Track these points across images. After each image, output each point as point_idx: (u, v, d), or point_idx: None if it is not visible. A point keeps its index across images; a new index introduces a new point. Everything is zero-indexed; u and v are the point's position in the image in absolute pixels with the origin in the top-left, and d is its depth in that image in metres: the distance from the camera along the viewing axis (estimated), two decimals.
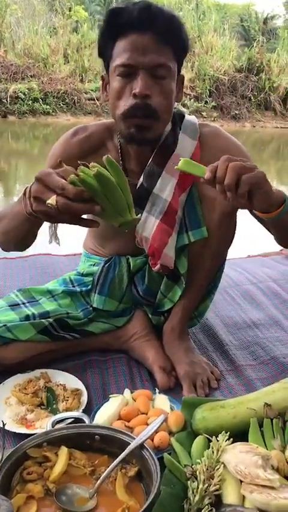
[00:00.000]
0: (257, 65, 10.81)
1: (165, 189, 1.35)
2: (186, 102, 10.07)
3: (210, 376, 1.45)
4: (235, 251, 2.31)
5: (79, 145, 1.40)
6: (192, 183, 1.37)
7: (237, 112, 10.50)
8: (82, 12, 10.98)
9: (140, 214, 1.10)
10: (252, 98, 10.81)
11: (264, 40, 11.52)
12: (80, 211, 0.98)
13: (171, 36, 1.22)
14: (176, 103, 1.32)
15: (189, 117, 1.41)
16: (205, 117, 9.75)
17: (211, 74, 10.37)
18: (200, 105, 10.20)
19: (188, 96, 10.36)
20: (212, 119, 9.97)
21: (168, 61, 1.23)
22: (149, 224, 1.38)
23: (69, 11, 10.73)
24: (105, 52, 1.28)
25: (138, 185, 1.37)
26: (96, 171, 0.96)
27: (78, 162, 0.99)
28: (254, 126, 10.56)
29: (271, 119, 10.89)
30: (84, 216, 1.04)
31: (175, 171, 1.35)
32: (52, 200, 0.97)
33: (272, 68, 10.89)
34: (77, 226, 1.03)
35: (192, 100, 10.27)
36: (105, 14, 1.31)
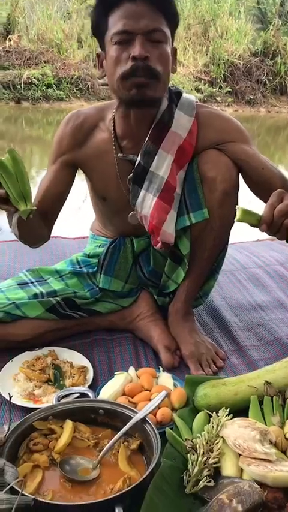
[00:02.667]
0: (272, 48, 10.64)
1: (162, 166, 1.37)
2: (200, 86, 9.97)
3: (215, 356, 1.47)
4: (244, 235, 2.32)
5: (72, 135, 1.45)
6: (189, 160, 1.39)
7: (252, 97, 10.36)
8: None
9: (34, 207, 1.18)
10: (267, 82, 10.66)
11: (281, 23, 11.31)
12: None
13: (162, 5, 1.25)
14: (171, 73, 1.33)
15: (187, 95, 1.42)
16: (219, 102, 9.66)
17: (226, 58, 10.23)
18: (214, 90, 10.09)
19: (203, 81, 10.24)
20: (227, 103, 9.87)
21: (162, 26, 1.25)
22: (147, 202, 1.40)
23: None
24: (99, 27, 1.29)
25: (136, 163, 1.39)
26: None
27: None
28: (269, 111, 10.42)
29: (287, 104, 10.74)
30: None
31: (172, 149, 1.37)
32: None
33: None
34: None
35: (206, 85, 10.16)
36: None
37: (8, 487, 0.88)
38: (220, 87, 10.43)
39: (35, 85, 8.61)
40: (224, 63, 10.41)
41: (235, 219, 1.12)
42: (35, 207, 1.17)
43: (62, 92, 8.80)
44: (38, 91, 8.56)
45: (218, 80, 10.49)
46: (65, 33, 9.82)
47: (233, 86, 10.58)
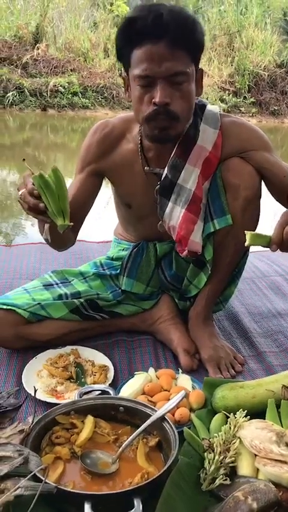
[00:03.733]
0: None
1: (189, 179, 1.41)
2: (224, 97, 10.00)
3: (233, 360, 1.50)
4: None
5: (99, 144, 1.49)
6: (214, 171, 1.42)
7: (276, 108, 10.34)
8: (123, 6, 11.02)
9: (71, 223, 1.22)
10: None
11: None
12: (30, 203, 1.19)
13: (185, 41, 1.24)
14: (197, 97, 1.36)
15: (211, 107, 1.45)
16: (243, 113, 9.67)
17: (251, 69, 10.26)
18: (238, 100, 10.11)
19: (227, 92, 10.27)
20: (251, 114, 9.87)
21: (184, 67, 1.26)
22: (175, 214, 1.43)
23: (111, 5, 10.80)
24: (123, 57, 1.32)
25: (163, 176, 1.43)
26: (39, 173, 1.18)
27: None
28: None
29: None
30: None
31: (198, 162, 1.40)
32: (21, 191, 1.22)
33: None
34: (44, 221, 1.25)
35: (230, 95, 10.19)
36: (121, 21, 1.35)
37: (31, 474, 0.92)
38: (244, 97, 10.45)
39: (61, 93, 8.75)
40: (248, 74, 10.43)
41: (245, 244, 1.14)
42: (72, 224, 1.22)
43: (87, 100, 8.93)
44: (63, 99, 8.69)
45: (243, 91, 10.51)
46: (91, 43, 9.96)
47: (257, 96, 10.58)
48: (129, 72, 1.31)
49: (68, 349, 1.50)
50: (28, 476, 0.91)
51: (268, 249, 1.17)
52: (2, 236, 2.99)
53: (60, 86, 8.71)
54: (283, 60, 10.80)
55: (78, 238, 1.57)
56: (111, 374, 1.41)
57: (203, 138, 1.40)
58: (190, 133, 1.40)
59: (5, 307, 1.43)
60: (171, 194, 1.43)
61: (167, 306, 1.61)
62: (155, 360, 1.52)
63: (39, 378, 1.38)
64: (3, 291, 1.67)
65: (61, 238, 1.42)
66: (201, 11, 10.69)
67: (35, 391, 1.15)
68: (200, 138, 1.40)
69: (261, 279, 2.08)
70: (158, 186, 1.44)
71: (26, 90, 8.13)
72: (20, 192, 1.21)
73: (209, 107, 1.45)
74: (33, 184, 1.18)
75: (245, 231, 1.16)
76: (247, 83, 10.45)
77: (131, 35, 1.26)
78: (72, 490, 0.95)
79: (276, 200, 1.44)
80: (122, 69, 1.37)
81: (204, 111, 1.43)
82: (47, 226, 1.30)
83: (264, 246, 1.16)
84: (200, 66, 1.34)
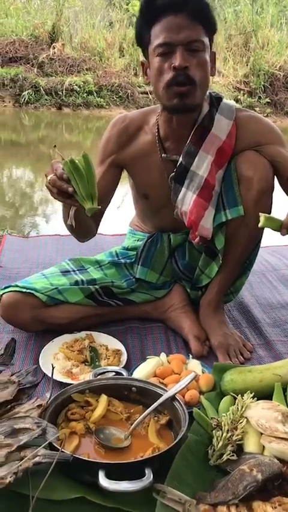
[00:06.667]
0: None
1: (202, 166, 1.46)
2: (239, 97, 10.00)
3: (242, 348, 1.54)
4: (278, 238, 2.38)
5: (118, 137, 1.56)
6: (228, 161, 1.47)
7: None
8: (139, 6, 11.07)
9: (99, 206, 1.27)
10: None
11: None
12: (60, 187, 1.23)
13: (201, 16, 1.35)
14: (211, 76, 1.42)
15: (227, 101, 1.52)
16: (258, 113, 9.67)
17: (266, 69, 10.25)
18: (253, 100, 10.10)
19: (242, 92, 10.27)
20: (265, 114, 9.86)
21: (201, 36, 1.35)
22: (187, 199, 1.49)
23: (127, 5, 10.86)
24: (143, 38, 1.40)
25: (178, 163, 1.49)
26: (70, 158, 1.23)
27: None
28: None
29: None
30: None
31: (212, 150, 1.46)
32: (49, 177, 1.26)
33: None
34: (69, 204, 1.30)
35: (245, 95, 10.19)
36: (141, 1, 1.43)
37: (47, 442, 0.97)
38: (259, 97, 10.44)
39: (76, 92, 8.82)
40: (264, 74, 10.41)
41: (259, 225, 1.20)
42: (99, 206, 1.27)
43: (102, 100, 8.99)
44: (79, 98, 8.76)
45: (258, 91, 10.49)
46: (107, 42, 10.02)
47: (272, 97, 10.56)
48: (148, 51, 1.39)
49: (83, 334, 1.56)
50: (45, 444, 0.97)
51: (281, 245, 1.21)
52: (20, 229, 3.06)
53: (76, 85, 8.78)
54: None
55: None
56: (124, 358, 1.47)
57: (218, 128, 1.46)
58: (205, 122, 1.46)
59: (24, 290, 1.49)
60: (185, 180, 1.48)
61: (178, 295, 1.67)
62: (167, 347, 1.57)
63: (55, 360, 1.44)
64: (22, 278, 1.73)
65: (85, 225, 1.48)
66: (216, 12, 10.70)
67: (53, 368, 1.21)
68: (214, 127, 1.46)
69: (271, 272, 2.13)
70: (173, 173, 1.50)
71: (41, 89, 8.22)
72: (48, 178, 1.25)
73: (225, 100, 1.51)
74: (62, 169, 1.23)
75: (260, 213, 1.21)
76: (262, 83, 10.43)
77: (151, 11, 1.35)
78: (87, 459, 1.01)
79: (287, 194, 1.48)
80: (141, 56, 1.45)
81: (220, 103, 1.49)
82: (72, 212, 1.34)
83: (275, 230, 1.21)
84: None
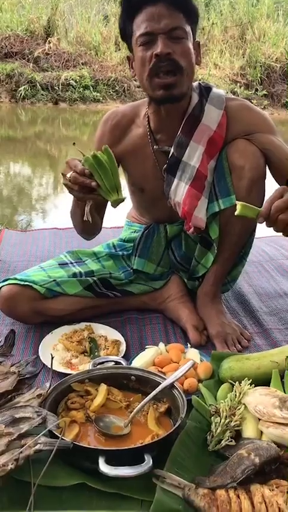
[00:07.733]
0: None
1: (193, 156, 1.47)
2: (236, 89, 9.97)
3: (240, 336, 1.56)
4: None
5: (111, 132, 1.58)
6: (219, 150, 1.48)
7: None
8: None
9: (125, 196, 1.30)
10: None
11: None
12: (82, 183, 1.26)
13: (181, 4, 1.35)
14: (196, 66, 1.43)
15: (217, 90, 1.52)
16: (255, 105, 9.66)
17: (262, 61, 10.22)
18: (250, 92, 10.08)
19: (238, 84, 10.25)
20: (262, 106, 9.85)
21: (182, 24, 1.35)
22: (180, 190, 1.50)
23: None
24: (126, 32, 1.41)
25: (170, 155, 1.49)
26: (92, 153, 1.26)
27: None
28: None
29: None
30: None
31: (203, 140, 1.46)
32: (69, 174, 1.28)
33: None
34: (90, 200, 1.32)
35: (242, 88, 10.17)
36: None
37: (47, 429, 0.98)
38: (256, 90, 10.41)
39: (73, 86, 8.79)
40: (260, 66, 10.39)
41: (235, 213, 1.18)
42: (125, 196, 1.29)
43: (98, 94, 8.96)
44: (75, 92, 8.74)
45: (254, 83, 10.46)
46: (102, 36, 9.98)
47: (269, 89, 10.53)
48: (132, 46, 1.40)
49: (82, 325, 1.57)
50: (44, 431, 0.98)
51: (278, 235, 1.21)
52: (18, 223, 3.07)
53: (72, 79, 8.75)
54: None
55: None
56: (123, 348, 1.48)
57: (208, 118, 1.46)
58: (195, 112, 1.47)
59: (22, 283, 1.50)
60: (177, 171, 1.49)
61: (176, 286, 1.68)
62: (165, 336, 1.58)
63: (55, 351, 1.45)
64: (21, 271, 1.74)
65: (96, 221, 1.51)
66: (212, 3, 10.65)
67: (52, 358, 1.22)
68: (204, 117, 1.46)
69: (268, 262, 2.14)
70: (166, 165, 1.50)
71: (37, 84, 8.19)
72: (68, 175, 1.27)
73: (215, 89, 1.51)
74: (82, 165, 1.25)
75: (236, 201, 1.21)
76: (259, 75, 10.40)
77: (131, 3, 1.36)
78: (87, 446, 1.02)
79: (277, 182, 1.49)
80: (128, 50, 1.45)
81: (210, 93, 1.49)
82: (87, 208, 1.35)
83: (252, 218, 1.19)
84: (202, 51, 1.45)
